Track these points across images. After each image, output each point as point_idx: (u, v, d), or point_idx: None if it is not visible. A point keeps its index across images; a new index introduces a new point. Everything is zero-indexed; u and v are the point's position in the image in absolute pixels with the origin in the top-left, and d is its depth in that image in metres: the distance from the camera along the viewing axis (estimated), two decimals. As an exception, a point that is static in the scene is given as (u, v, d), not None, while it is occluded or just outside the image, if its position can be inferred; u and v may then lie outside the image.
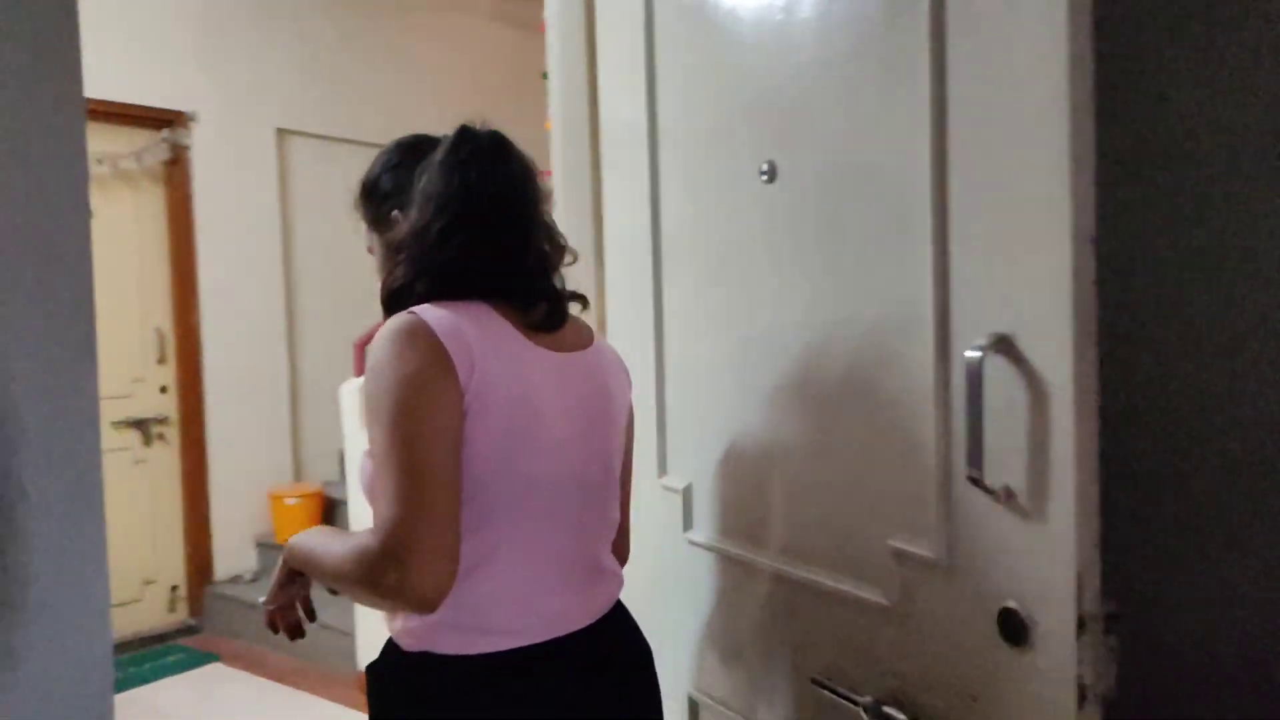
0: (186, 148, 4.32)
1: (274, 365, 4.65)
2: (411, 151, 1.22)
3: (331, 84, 4.88)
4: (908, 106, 1.04)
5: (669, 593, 1.47)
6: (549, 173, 1.91)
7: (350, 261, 5.01)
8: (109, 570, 0.91)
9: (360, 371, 3.73)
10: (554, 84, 1.87)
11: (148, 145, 4.21)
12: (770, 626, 1.28)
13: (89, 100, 3.87)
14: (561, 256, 1.15)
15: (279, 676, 3.87)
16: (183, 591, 4.43)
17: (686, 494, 1.43)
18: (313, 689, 3.74)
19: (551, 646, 1.05)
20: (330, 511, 4.62)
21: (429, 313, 1.01)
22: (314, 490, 4.57)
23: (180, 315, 4.35)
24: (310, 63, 4.79)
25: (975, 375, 0.96)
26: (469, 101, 5.41)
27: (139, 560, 4.27)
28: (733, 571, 1.34)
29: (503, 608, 1.04)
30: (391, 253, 1.14)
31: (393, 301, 1.07)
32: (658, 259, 1.49)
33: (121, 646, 4.10)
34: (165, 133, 4.25)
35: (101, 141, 4.08)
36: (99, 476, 0.87)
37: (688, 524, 1.43)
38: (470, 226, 1.06)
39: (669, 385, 1.48)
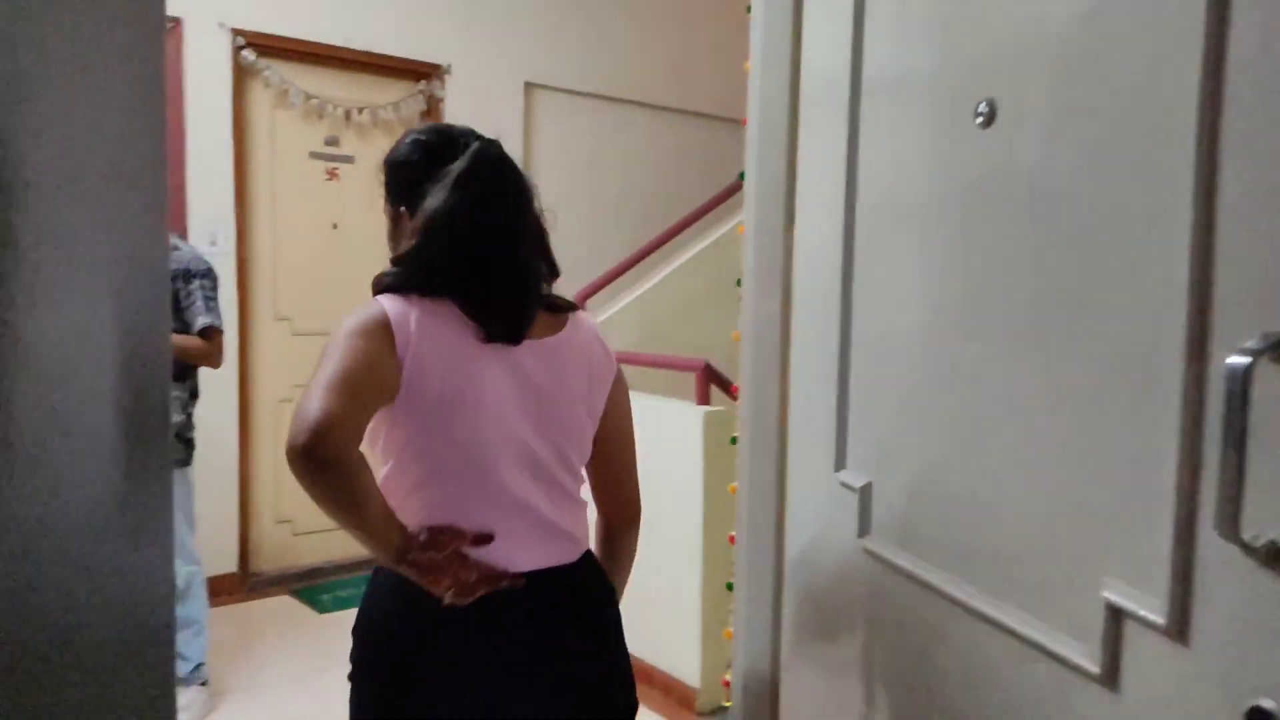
0: (440, 99, 4.49)
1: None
2: (430, 155, 1.37)
3: (581, 38, 4.90)
4: (1173, 33, 0.78)
5: (840, 607, 1.29)
6: (744, 121, 1.73)
7: (588, 221, 5.09)
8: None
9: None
10: (756, 25, 1.68)
11: (405, 96, 4.42)
12: (952, 671, 1.07)
13: (355, 52, 4.06)
14: (551, 270, 1.42)
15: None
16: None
17: (865, 494, 1.23)
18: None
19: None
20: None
21: (388, 302, 1.26)
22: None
23: (426, 260, 4.57)
24: (561, 16, 4.82)
25: (1238, 387, 0.70)
26: (712, 57, 5.27)
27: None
28: (912, 593, 1.14)
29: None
30: (401, 236, 1.37)
31: (376, 287, 1.31)
32: (850, 224, 1.28)
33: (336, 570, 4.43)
34: (421, 84, 4.44)
35: (363, 91, 4.33)
36: (165, 422, 0.82)
37: (864, 528, 1.23)
38: (450, 249, 1.28)
39: (855, 367, 1.28)
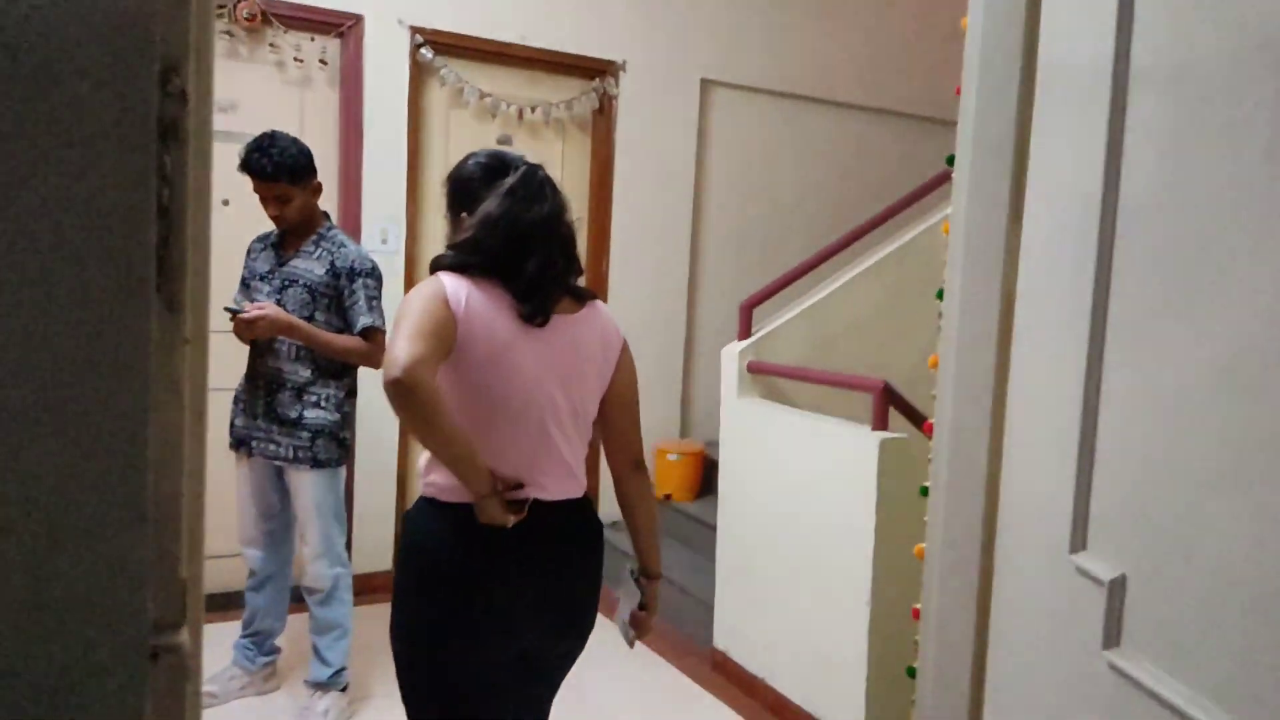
0: (614, 97, 4.35)
1: (673, 321, 4.61)
2: (489, 173, 1.73)
3: (760, 33, 4.66)
4: None
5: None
6: (957, 89, 1.43)
7: (762, 223, 4.84)
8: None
9: (744, 336, 3.48)
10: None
11: (578, 94, 4.31)
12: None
13: (530, 50, 3.90)
14: (575, 266, 1.75)
15: (638, 634, 3.83)
16: (568, 528, 4.59)
17: (1116, 590, 0.93)
18: (666, 654, 3.64)
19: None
20: (710, 472, 4.49)
21: (446, 278, 1.63)
22: (696, 449, 4.47)
23: (592, 264, 4.44)
24: (740, 12, 4.60)
25: None
26: (901, 52, 4.90)
27: (533, 492, 4.49)
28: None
29: None
30: (456, 238, 1.71)
31: (435, 266, 1.68)
32: (1106, 241, 0.99)
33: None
34: (595, 82, 4.32)
35: (537, 90, 4.24)
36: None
37: (1112, 636, 0.93)
38: (501, 241, 1.64)
39: (1106, 413, 0.98)
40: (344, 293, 2.84)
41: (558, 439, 1.68)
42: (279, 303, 2.82)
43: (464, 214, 1.73)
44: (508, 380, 1.62)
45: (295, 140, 2.82)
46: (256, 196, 2.79)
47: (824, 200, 4.99)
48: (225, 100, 3.68)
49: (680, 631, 3.82)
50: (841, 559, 2.95)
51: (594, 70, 4.31)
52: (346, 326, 2.85)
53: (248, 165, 2.74)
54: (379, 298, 2.89)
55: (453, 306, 1.58)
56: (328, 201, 3.87)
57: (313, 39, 3.78)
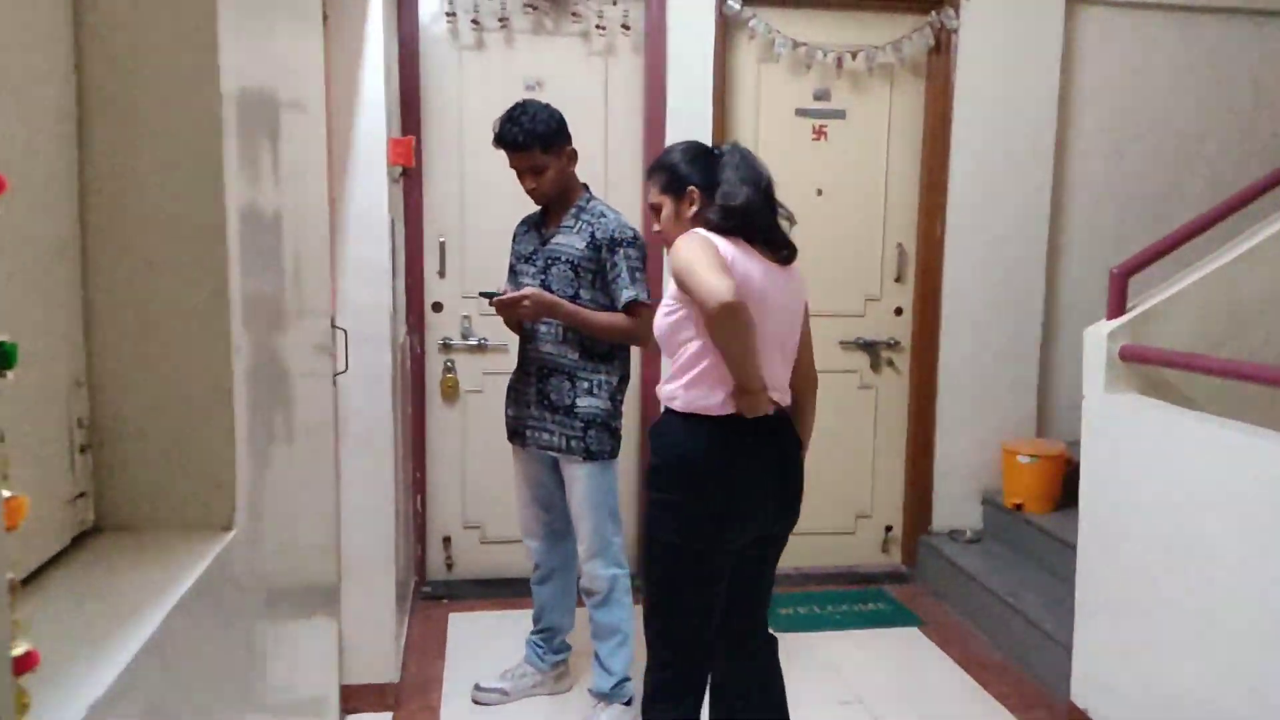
0: (953, 31, 3.69)
1: (1027, 295, 3.85)
2: (699, 155, 2.14)
3: (1150, -68, 3.72)
4: None
5: None
6: None
7: (1140, 169, 3.90)
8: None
9: (1116, 313, 2.73)
10: None
11: (909, 32, 3.70)
12: None
13: None
14: (789, 223, 2.16)
15: (981, 667, 3.22)
16: (897, 534, 4.05)
17: None
18: (1008, 700, 3.00)
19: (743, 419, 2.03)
20: (1074, 477, 3.69)
21: (703, 232, 2.02)
22: (1055, 450, 3.71)
23: (925, 229, 3.83)
24: (1123, -93, 3.70)
25: None
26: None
27: (856, 491, 4.00)
28: None
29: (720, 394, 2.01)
30: (685, 208, 2.11)
31: (697, 223, 2.08)
32: None
33: (828, 578, 3.92)
34: (931, 15, 3.68)
35: (858, 33, 3.71)
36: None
37: None
38: (742, 203, 2.03)
39: None
40: (605, 265, 2.62)
41: (784, 359, 2.11)
42: (544, 283, 2.64)
43: (691, 188, 2.10)
44: (761, 311, 1.96)
45: (546, 106, 2.63)
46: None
47: (1232, 137, 3.92)
48: (532, 78, 3.59)
49: (1029, 675, 3.16)
50: (1261, 619, 2.17)
51: (928, 2, 3.68)
52: (609, 304, 2.61)
53: (501, 137, 2.61)
54: (642, 269, 2.63)
55: (721, 252, 1.95)
56: (632, 176, 3.67)
57: (615, 2, 3.57)
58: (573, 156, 2.68)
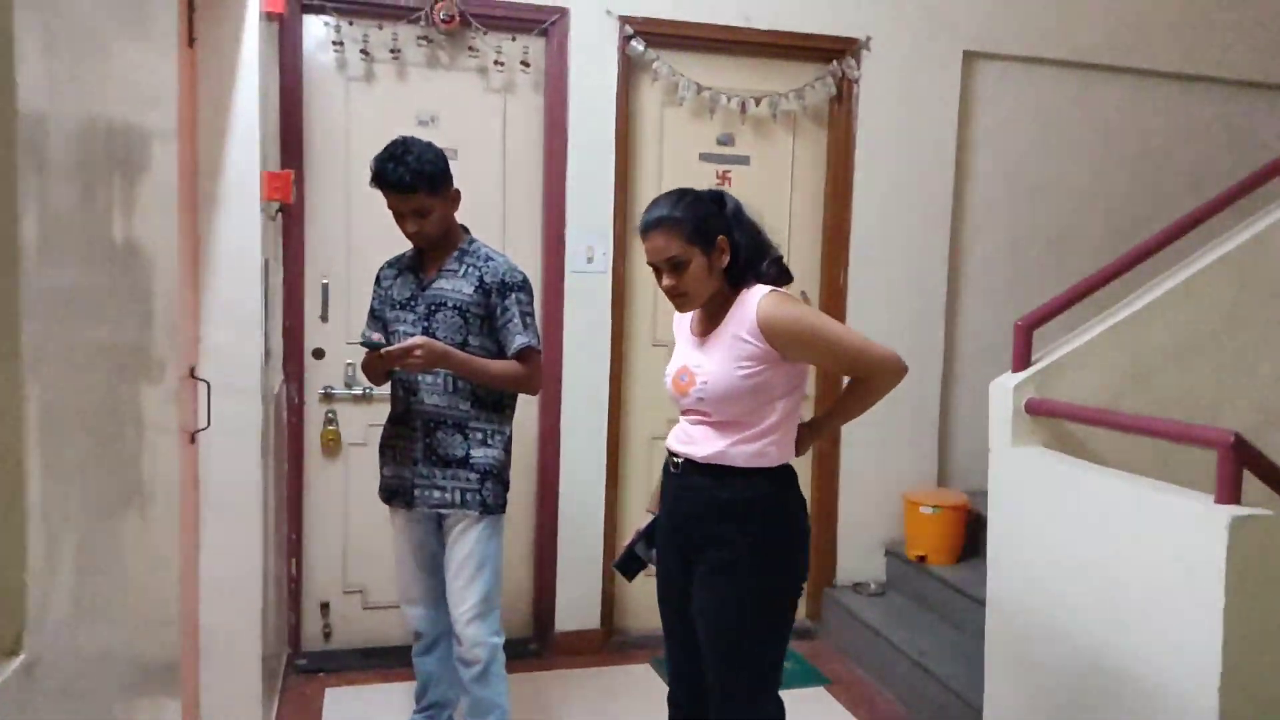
0: (854, 81, 3.68)
1: (927, 344, 3.84)
2: (707, 202, 2.05)
3: (1038, -8, 3.81)
4: None
5: None
6: None
7: (1045, 221, 3.95)
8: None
9: (1021, 366, 2.69)
10: None
11: (811, 80, 3.68)
12: None
13: (756, 33, 3.44)
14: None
15: (885, 729, 3.11)
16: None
17: None
18: (920, 766, 2.90)
19: None
20: (976, 528, 3.68)
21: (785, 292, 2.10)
22: (957, 501, 3.68)
23: (829, 277, 3.79)
24: (1014, -33, 3.78)
25: None
26: (1218, 11, 3.85)
27: (760, 544, 3.88)
28: None
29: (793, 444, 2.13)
30: (718, 259, 2.03)
31: (745, 279, 2.07)
32: None
33: (732, 634, 3.77)
34: (832, 65, 3.67)
35: (761, 79, 3.67)
36: None
37: None
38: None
39: None
40: (495, 310, 2.46)
41: None
42: (427, 330, 2.45)
43: (721, 237, 2.03)
44: None
45: (430, 145, 2.44)
46: (390, 214, 2.47)
47: (1124, 193, 4.02)
48: (425, 113, 3.41)
49: (937, 731, 3.07)
50: (1172, 677, 2.12)
51: (830, 51, 3.67)
52: (498, 351, 2.45)
53: (381, 177, 2.40)
54: (533, 314, 2.51)
55: None
56: (530, 217, 3.52)
57: (514, 38, 3.43)
58: (457, 198, 2.51)
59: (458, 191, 2.51)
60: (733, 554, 2.02)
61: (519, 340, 2.43)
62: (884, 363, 2.04)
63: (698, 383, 2.03)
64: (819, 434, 2.23)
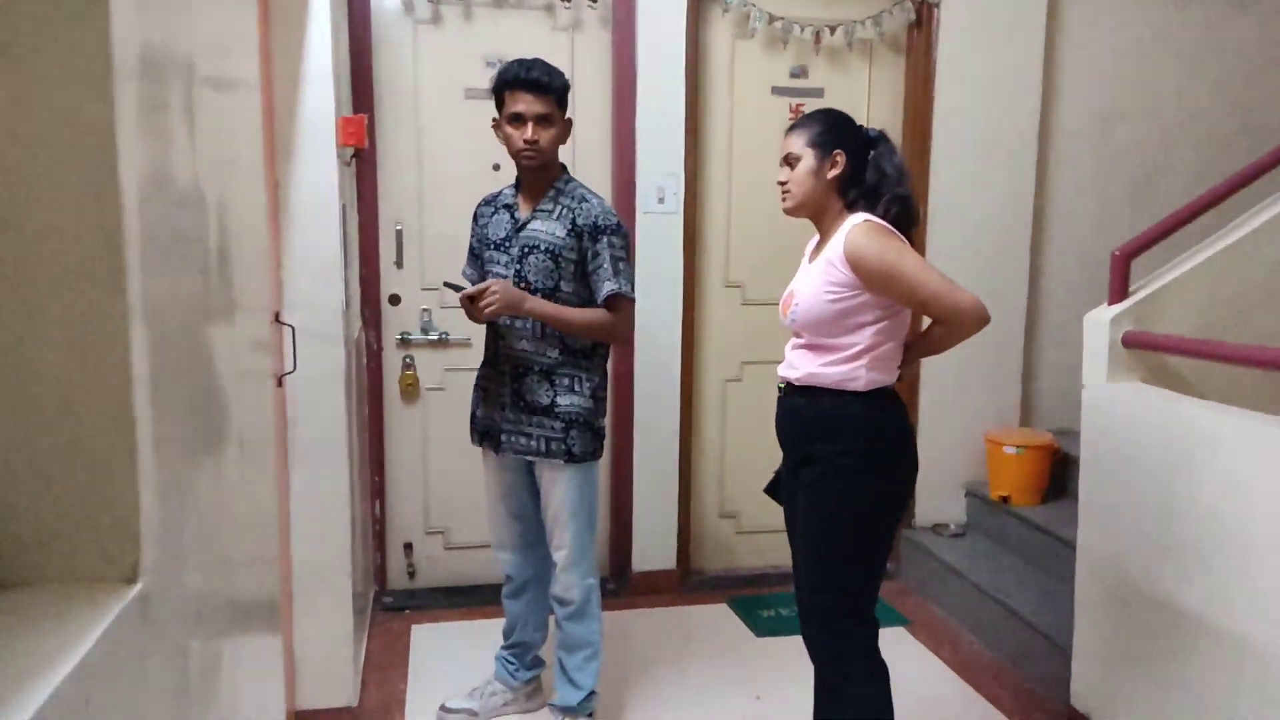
0: (934, 6, 3.53)
1: (1011, 280, 3.72)
2: (851, 125, 2.11)
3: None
4: None
5: None
6: None
7: (1129, 148, 3.78)
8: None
9: (1118, 298, 2.59)
10: None
11: (888, 6, 3.53)
12: None
13: None
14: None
15: (973, 669, 3.09)
16: (879, 528, 3.90)
17: None
18: (1003, 704, 2.87)
19: None
20: (1061, 468, 3.59)
21: (887, 225, 2.06)
22: (1042, 441, 3.59)
23: (906, 212, 3.67)
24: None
25: None
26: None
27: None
28: None
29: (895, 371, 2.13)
30: (827, 168, 2.07)
31: (857, 205, 2.09)
32: None
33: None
34: (911, -11, 3.52)
35: (836, 6, 3.53)
36: None
37: None
38: (912, 199, 2.13)
39: None
40: (587, 255, 2.40)
41: None
42: (519, 274, 2.42)
43: (839, 152, 2.07)
44: None
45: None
46: (496, 134, 2.42)
47: (1217, 118, 3.81)
48: (493, 54, 3.37)
49: (1024, 678, 3.03)
50: (1278, 610, 2.04)
51: (909, -25, 3.52)
52: (589, 297, 2.41)
53: (515, 78, 2.33)
54: (626, 259, 2.42)
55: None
56: (601, 158, 3.48)
57: (580, -26, 3.36)
58: (569, 127, 2.45)
59: (570, 122, 2.46)
60: (821, 470, 2.07)
61: (608, 287, 2.37)
62: (964, 310, 1.99)
63: (794, 304, 2.10)
64: (910, 361, 2.21)
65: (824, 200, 2.09)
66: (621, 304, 2.40)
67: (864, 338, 2.03)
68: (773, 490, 2.31)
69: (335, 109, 2.56)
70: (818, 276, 2.05)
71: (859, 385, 2.05)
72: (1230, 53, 3.79)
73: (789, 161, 2.10)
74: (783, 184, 2.11)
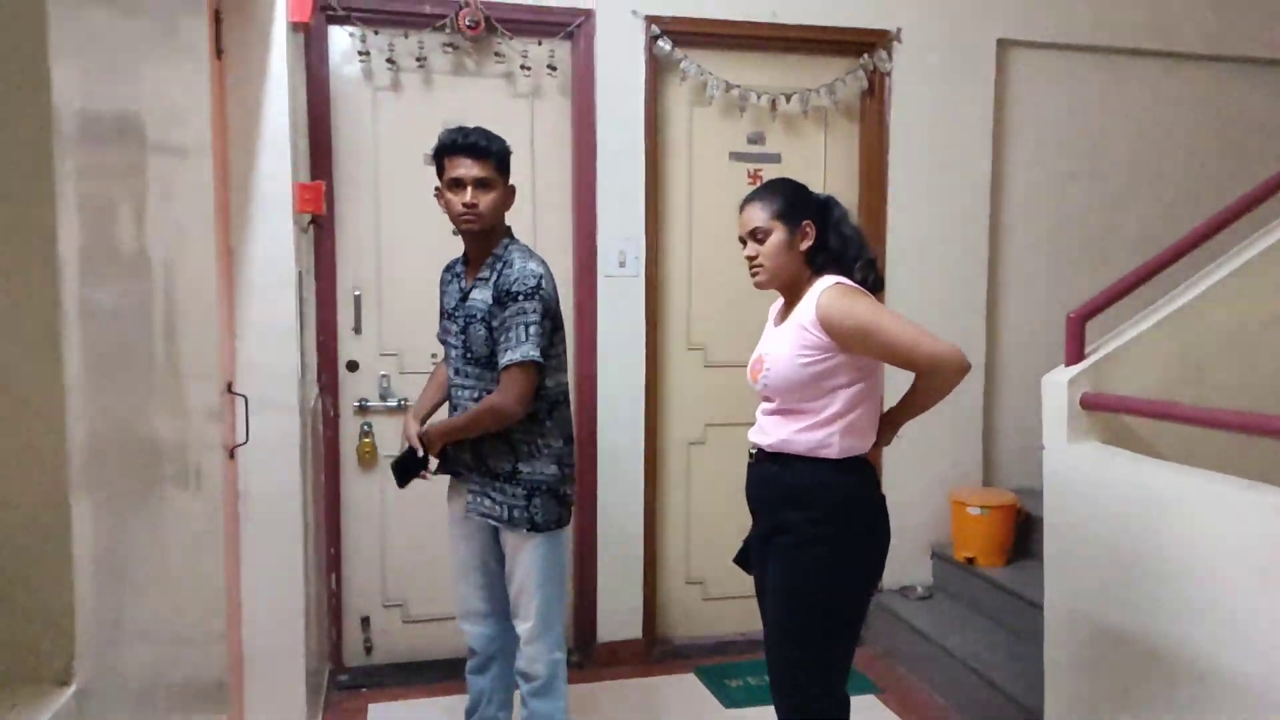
0: (885, 74, 3.61)
1: (969, 340, 3.75)
2: (808, 195, 2.13)
3: (1073, -24, 3.73)
4: None
5: None
6: None
7: (1085, 211, 3.86)
8: None
9: (1075, 359, 2.61)
10: None
11: (842, 74, 3.61)
12: None
13: (784, 28, 3.30)
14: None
15: (938, 736, 3.03)
16: (846, 591, 3.86)
17: None
18: (977, 774, 2.81)
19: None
20: (1025, 528, 3.59)
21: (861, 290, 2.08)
22: (1005, 500, 3.59)
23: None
24: (1047, -49, 3.70)
25: None
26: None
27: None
28: None
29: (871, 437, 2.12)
30: (798, 241, 2.08)
31: (826, 271, 2.09)
32: None
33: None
34: (863, 58, 3.60)
35: (791, 76, 3.60)
36: None
37: None
38: (876, 262, 2.19)
39: None
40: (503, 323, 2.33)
41: None
42: (465, 344, 2.40)
43: (808, 222, 2.08)
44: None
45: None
46: (439, 201, 2.41)
47: (1167, 179, 3.92)
48: (452, 120, 3.35)
49: (996, 739, 2.98)
50: (1250, 675, 2.03)
51: (861, 45, 3.60)
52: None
53: (453, 143, 2.34)
54: (537, 324, 2.29)
55: None
56: (561, 222, 3.48)
57: (540, 43, 3.39)
58: (512, 194, 2.44)
59: (514, 188, 2.45)
60: (795, 540, 2.03)
61: (503, 359, 2.29)
62: (944, 359, 1.98)
63: (764, 369, 2.09)
64: (893, 428, 2.19)
65: (797, 271, 2.09)
66: (513, 372, 2.28)
67: (838, 402, 2.01)
68: (742, 560, 2.26)
69: (292, 175, 2.53)
70: (789, 340, 2.04)
71: (833, 452, 2.02)
72: (1177, 113, 3.92)
73: (755, 236, 2.08)
74: (752, 259, 2.09)
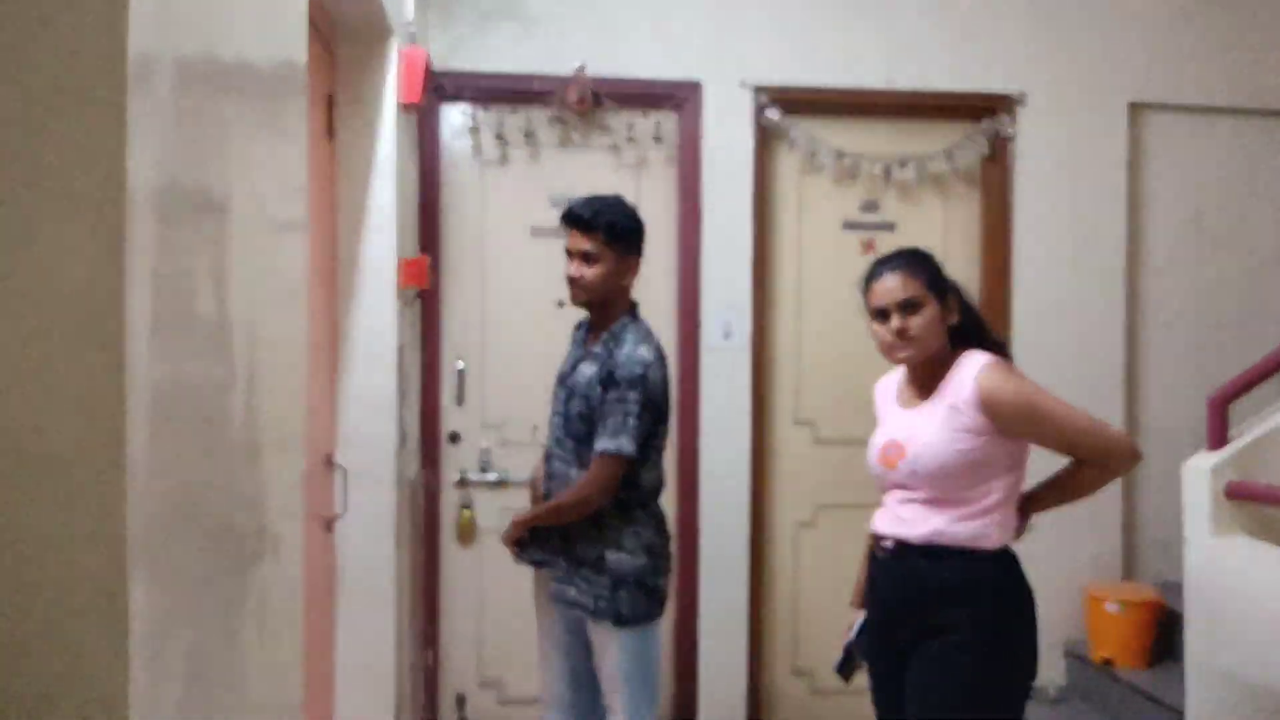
0: (1009, 139, 3.45)
1: (1105, 420, 3.47)
2: (938, 262, 2.01)
3: (1204, 37, 3.51)
4: None
5: None
6: None
7: (1224, 283, 3.58)
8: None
9: (1217, 444, 2.36)
10: None
11: (960, 140, 3.47)
12: None
13: (898, 94, 3.18)
14: None
15: None
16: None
17: None
18: None
19: None
20: (1168, 626, 3.25)
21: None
22: (1146, 596, 3.27)
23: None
24: (1177, 14, 3.50)
25: None
26: None
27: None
28: None
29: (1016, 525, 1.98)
30: (948, 316, 1.95)
31: (966, 347, 1.96)
32: None
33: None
34: (984, 123, 3.46)
35: (906, 141, 3.48)
36: None
37: None
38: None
39: None
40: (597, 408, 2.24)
41: None
42: (564, 416, 2.33)
43: (953, 295, 1.98)
44: None
45: (630, 206, 2.37)
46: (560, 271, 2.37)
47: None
48: (558, 193, 3.38)
49: None
50: None
51: (981, 109, 3.46)
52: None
53: (565, 214, 2.33)
54: (635, 415, 2.20)
55: None
56: (666, 295, 3.42)
57: (646, 114, 3.39)
58: (634, 268, 2.37)
59: (637, 262, 2.38)
60: (958, 640, 1.87)
61: (599, 444, 2.21)
62: (1116, 446, 1.91)
63: (908, 455, 1.91)
64: (1039, 510, 2.04)
65: (941, 347, 1.96)
66: (604, 461, 2.20)
67: (995, 492, 1.88)
68: (846, 669, 2.10)
69: (397, 251, 2.55)
70: (939, 424, 1.88)
71: (990, 544, 1.89)
72: (1329, 181, 3.61)
73: (905, 308, 1.91)
74: (903, 332, 1.91)
